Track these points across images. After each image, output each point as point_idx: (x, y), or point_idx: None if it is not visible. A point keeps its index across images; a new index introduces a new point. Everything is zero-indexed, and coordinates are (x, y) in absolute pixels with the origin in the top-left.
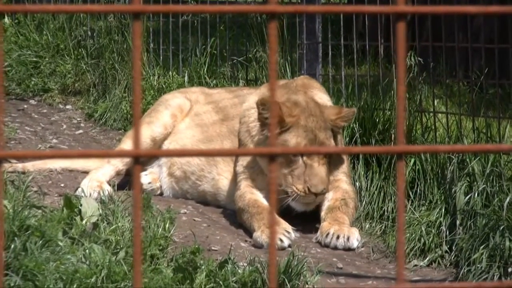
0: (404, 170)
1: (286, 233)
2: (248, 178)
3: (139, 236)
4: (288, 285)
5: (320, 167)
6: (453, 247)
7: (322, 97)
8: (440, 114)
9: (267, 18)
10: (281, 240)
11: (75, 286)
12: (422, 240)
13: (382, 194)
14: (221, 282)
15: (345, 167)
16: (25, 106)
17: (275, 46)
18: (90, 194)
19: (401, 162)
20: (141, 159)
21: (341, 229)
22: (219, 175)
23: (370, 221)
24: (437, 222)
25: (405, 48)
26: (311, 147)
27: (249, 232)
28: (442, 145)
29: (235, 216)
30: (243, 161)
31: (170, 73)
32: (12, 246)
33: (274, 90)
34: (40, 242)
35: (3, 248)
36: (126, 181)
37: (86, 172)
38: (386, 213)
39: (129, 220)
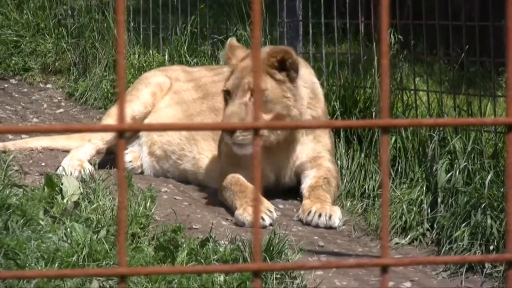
0: (388, 144)
1: (268, 212)
2: (231, 157)
3: (124, 205)
4: (268, 263)
5: (235, 103)
6: (435, 225)
7: (304, 72)
8: (421, 92)
9: None
10: (262, 219)
11: (56, 265)
12: (404, 218)
13: (363, 172)
14: (202, 261)
15: (329, 144)
16: (6, 85)
17: (259, 21)
18: (71, 173)
19: (385, 136)
20: (126, 135)
21: (323, 207)
22: (200, 154)
23: (351, 199)
24: (419, 200)
25: (388, 21)
26: (291, 122)
27: (230, 210)
28: (426, 119)
29: (216, 195)
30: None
31: (151, 51)
32: None
33: (258, 63)
34: (21, 221)
35: None
36: (107, 160)
37: (67, 151)
38: (367, 191)
39: (110, 198)
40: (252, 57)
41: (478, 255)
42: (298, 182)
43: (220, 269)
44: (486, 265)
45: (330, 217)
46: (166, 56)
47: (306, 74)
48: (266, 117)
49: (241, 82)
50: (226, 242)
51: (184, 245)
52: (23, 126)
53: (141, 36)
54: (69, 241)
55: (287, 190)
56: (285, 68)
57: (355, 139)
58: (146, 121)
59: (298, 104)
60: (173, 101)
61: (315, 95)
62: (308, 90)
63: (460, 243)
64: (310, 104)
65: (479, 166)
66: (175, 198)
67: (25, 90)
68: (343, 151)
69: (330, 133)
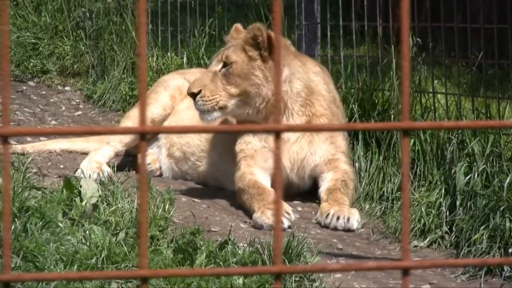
0: (409, 146)
1: (286, 214)
2: (247, 157)
3: (145, 207)
4: (288, 265)
5: (206, 72)
6: (453, 228)
7: (310, 67)
8: (439, 95)
9: None
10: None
11: (75, 267)
12: (422, 221)
13: (381, 175)
14: (221, 263)
15: (343, 146)
16: (24, 87)
17: (279, 23)
18: (90, 175)
19: (406, 138)
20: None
21: (341, 210)
22: (219, 156)
23: (370, 202)
24: (437, 203)
25: (409, 24)
26: (313, 124)
27: (248, 213)
28: (447, 122)
29: (234, 197)
30: (241, 138)
31: (169, 54)
32: (13, 227)
33: (279, 68)
34: (40, 223)
35: (9, 229)
36: (125, 162)
37: (85, 154)
38: (385, 194)
39: (128, 201)
40: (275, 60)
41: (498, 258)
42: (315, 185)
43: (242, 271)
44: (505, 268)
45: (348, 219)
46: (184, 59)
47: (301, 69)
48: (232, 90)
49: (219, 53)
50: (245, 245)
51: (203, 248)
52: (44, 128)
53: (159, 38)
54: (88, 243)
55: (302, 192)
56: (259, 46)
57: (374, 141)
58: (165, 123)
59: (272, 85)
60: (192, 104)
61: (311, 92)
62: (301, 83)
63: (479, 246)
64: (307, 99)
65: (497, 168)
66: (193, 201)
67: (44, 92)
68: (362, 153)
69: (345, 134)
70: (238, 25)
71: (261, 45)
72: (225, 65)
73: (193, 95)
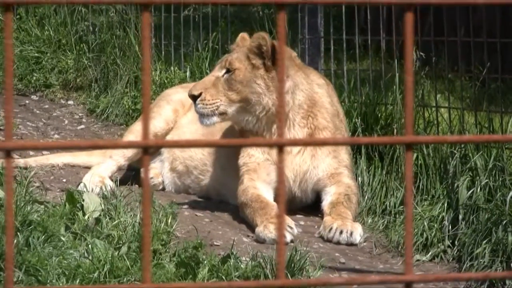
0: (412, 160)
1: (288, 228)
2: (250, 171)
3: (149, 221)
4: (291, 279)
5: (209, 77)
6: (456, 242)
7: (314, 79)
8: (442, 109)
9: (269, 12)
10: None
11: (77, 281)
12: (425, 235)
13: (384, 189)
14: (223, 277)
15: (346, 160)
16: (27, 101)
17: (284, 37)
18: (92, 189)
19: (409, 153)
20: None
21: (344, 224)
22: (222, 170)
23: (373, 216)
24: (440, 217)
25: (413, 39)
26: (317, 138)
27: (251, 227)
28: (450, 136)
29: (237, 211)
30: (244, 152)
31: (172, 68)
32: (15, 241)
33: (283, 81)
34: (43, 237)
35: (12, 243)
36: (128, 176)
37: (88, 168)
38: (388, 208)
39: (131, 215)
40: (278, 73)
41: (500, 272)
42: (318, 199)
43: (245, 285)
44: (507, 282)
45: (351, 233)
46: (188, 73)
47: (304, 80)
48: (233, 96)
49: (223, 59)
50: (248, 259)
51: (205, 262)
52: (47, 142)
53: (163, 52)
54: (90, 257)
55: (305, 206)
56: (263, 55)
57: (377, 155)
58: (168, 137)
59: (273, 95)
60: (195, 118)
61: (314, 104)
62: (304, 95)
63: (481, 260)
64: (309, 111)
65: (500, 183)
66: (196, 215)
67: (46, 106)
68: (364, 167)
69: (348, 148)
70: (244, 34)
71: (265, 54)
72: (228, 71)
73: (194, 98)
